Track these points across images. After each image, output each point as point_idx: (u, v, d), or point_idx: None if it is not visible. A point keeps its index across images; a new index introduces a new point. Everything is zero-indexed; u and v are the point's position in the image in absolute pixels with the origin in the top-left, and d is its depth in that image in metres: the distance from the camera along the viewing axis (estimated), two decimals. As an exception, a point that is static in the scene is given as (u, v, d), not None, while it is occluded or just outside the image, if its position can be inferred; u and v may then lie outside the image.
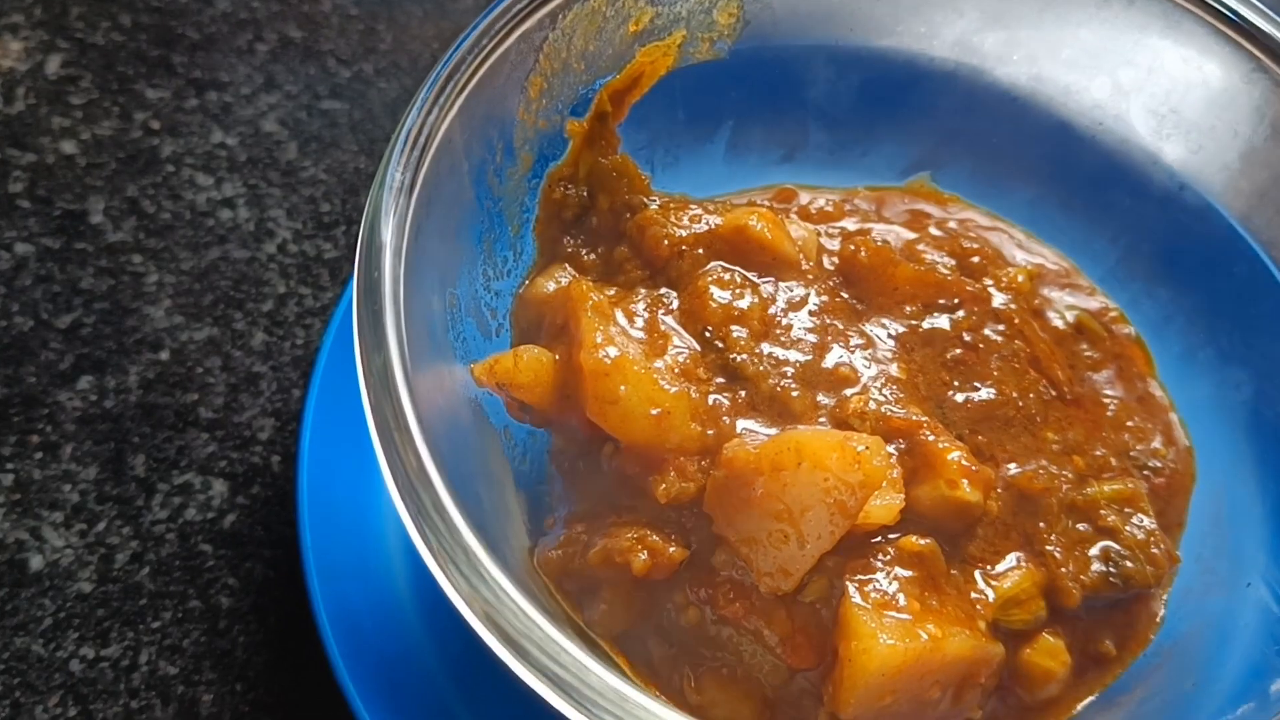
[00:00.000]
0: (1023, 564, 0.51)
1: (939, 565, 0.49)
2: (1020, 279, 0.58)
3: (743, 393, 0.51)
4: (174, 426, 0.63)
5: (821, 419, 0.51)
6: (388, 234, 0.43)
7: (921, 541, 0.48)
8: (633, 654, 0.50)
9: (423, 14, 0.80)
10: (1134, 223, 0.60)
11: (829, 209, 0.60)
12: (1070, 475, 0.53)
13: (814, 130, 0.62)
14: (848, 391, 0.52)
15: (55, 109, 0.71)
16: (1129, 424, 0.57)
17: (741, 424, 0.50)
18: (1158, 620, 0.53)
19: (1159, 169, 0.59)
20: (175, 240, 0.68)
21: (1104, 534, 0.52)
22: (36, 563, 0.58)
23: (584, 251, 0.56)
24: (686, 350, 0.51)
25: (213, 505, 0.61)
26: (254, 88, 0.74)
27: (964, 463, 0.49)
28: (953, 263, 0.58)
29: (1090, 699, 0.52)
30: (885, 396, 0.52)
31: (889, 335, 0.54)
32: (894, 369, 0.53)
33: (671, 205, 0.55)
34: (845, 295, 0.55)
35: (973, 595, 0.49)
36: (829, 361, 0.52)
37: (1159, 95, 0.58)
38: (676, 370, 0.50)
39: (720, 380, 0.51)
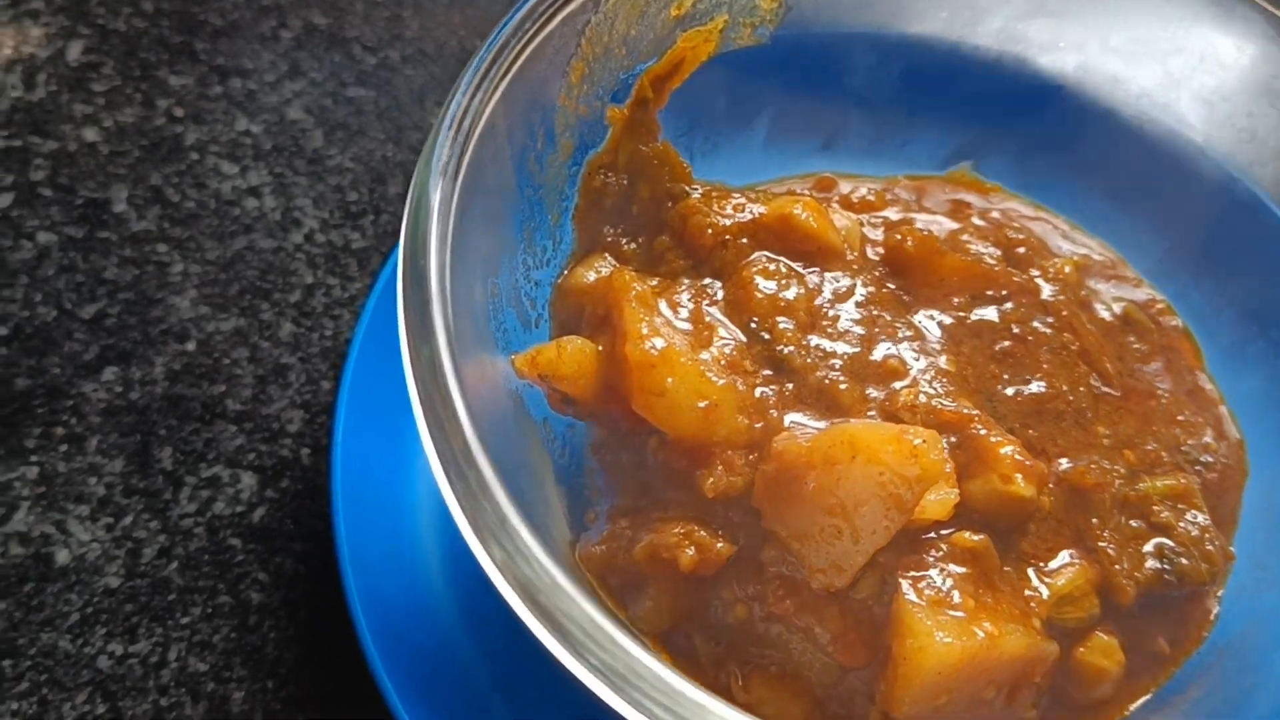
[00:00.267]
0: (1076, 560, 0.50)
1: (993, 561, 0.48)
2: (1067, 270, 0.57)
3: (790, 385, 0.50)
4: (201, 419, 0.61)
5: (871, 412, 0.50)
6: (433, 220, 0.42)
7: (975, 537, 0.47)
8: (677, 651, 0.49)
9: (449, 0, 0.79)
10: (1182, 214, 0.59)
11: (870, 198, 0.59)
12: (1122, 470, 0.52)
13: (854, 118, 0.61)
14: (897, 384, 0.51)
15: (77, 96, 0.70)
16: (1179, 418, 0.56)
17: (789, 417, 0.49)
18: (1211, 618, 0.52)
19: (1208, 160, 0.58)
20: (200, 229, 0.66)
21: (1157, 530, 0.51)
22: (63, 557, 0.57)
23: (624, 241, 0.54)
24: (732, 342, 0.50)
25: (242, 499, 0.60)
26: (278, 75, 0.73)
27: (1018, 457, 0.48)
28: (998, 253, 0.57)
29: (1144, 699, 0.51)
30: (935, 389, 0.51)
31: (937, 327, 0.53)
32: (943, 361, 0.52)
33: (714, 194, 0.54)
34: (891, 286, 0.54)
35: (1026, 592, 0.48)
36: (877, 354, 0.51)
37: (1210, 84, 0.57)
38: (723, 362, 0.49)
39: (767, 372, 0.50)
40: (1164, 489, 0.52)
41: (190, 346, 0.63)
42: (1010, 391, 0.52)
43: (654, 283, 0.51)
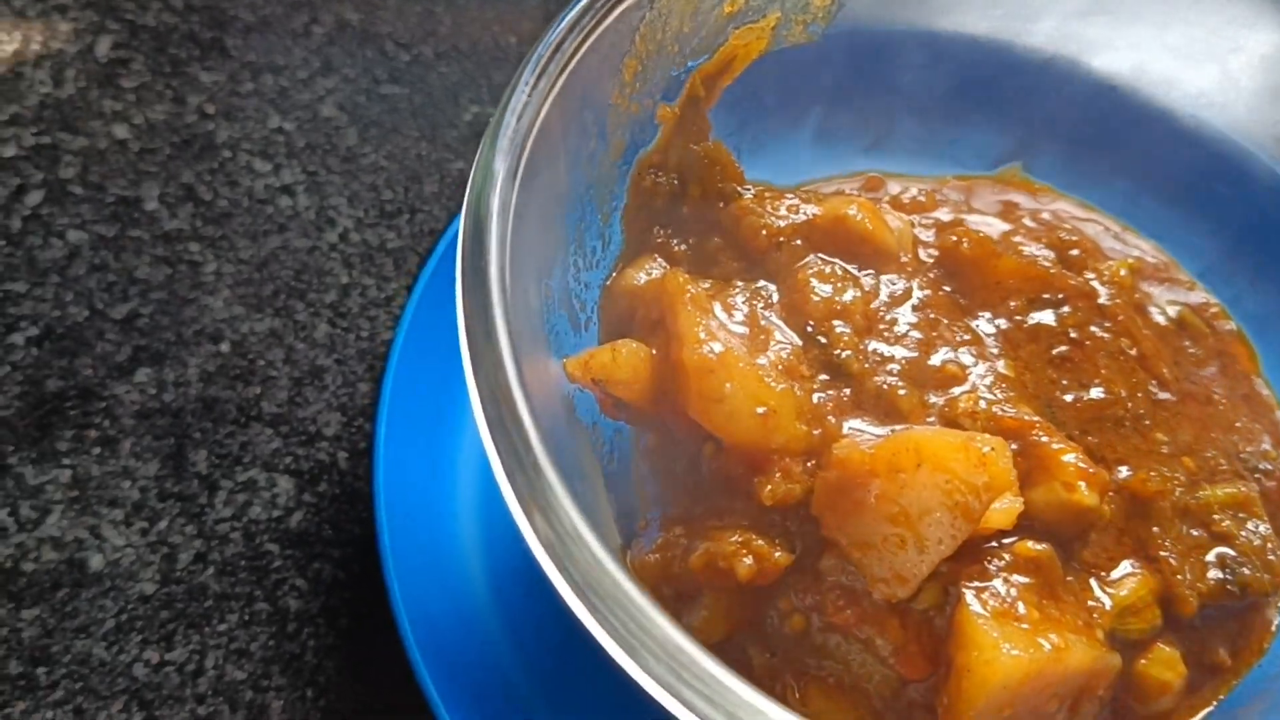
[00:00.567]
0: (1137, 570, 0.49)
1: (1055, 572, 0.47)
2: (1123, 273, 0.56)
3: (847, 390, 0.49)
4: (236, 421, 0.60)
5: (930, 419, 0.49)
6: (493, 222, 0.41)
7: (1038, 547, 0.46)
8: (733, 662, 0.48)
9: (481, -3, 0.78)
10: (1237, 217, 0.58)
11: (921, 199, 0.58)
12: (1182, 478, 0.51)
13: (903, 117, 0.60)
14: (956, 390, 0.50)
15: (106, 92, 0.68)
16: (1236, 424, 0.55)
17: (847, 423, 0.48)
18: (1273, 629, 0.51)
19: (1263, 163, 0.57)
20: (233, 228, 0.65)
21: (1218, 539, 0.50)
22: (96, 562, 0.56)
23: (674, 242, 0.53)
24: (789, 346, 0.49)
25: (278, 503, 0.58)
26: (311, 71, 0.72)
27: (1081, 465, 0.47)
28: (1052, 255, 0.56)
29: (1206, 711, 0.50)
30: (995, 395, 0.50)
31: (994, 331, 0.52)
32: (1001, 366, 0.51)
33: (767, 194, 0.53)
34: (947, 289, 0.53)
35: (1089, 603, 0.47)
36: (935, 359, 0.50)
37: (1269, 85, 0.56)
38: (780, 367, 0.48)
39: (824, 377, 0.49)
40: (1224, 497, 0.51)
41: (224, 348, 0.62)
42: (1069, 398, 0.51)
43: (707, 285, 0.50)
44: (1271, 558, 0.50)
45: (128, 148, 0.67)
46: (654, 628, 0.35)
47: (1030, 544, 0.46)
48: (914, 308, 0.52)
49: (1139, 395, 0.53)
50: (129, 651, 0.54)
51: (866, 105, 0.59)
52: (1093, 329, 0.53)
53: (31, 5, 0.70)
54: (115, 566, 0.56)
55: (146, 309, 0.62)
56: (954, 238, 0.53)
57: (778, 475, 0.46)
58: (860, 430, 0.48)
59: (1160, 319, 0.57)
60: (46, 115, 0.67)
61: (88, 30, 0.70)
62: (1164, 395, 0.53)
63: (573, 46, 0.45)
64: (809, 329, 0.50)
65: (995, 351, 0.51)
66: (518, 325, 0.41)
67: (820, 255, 0.52)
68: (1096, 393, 0.52)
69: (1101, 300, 0.54)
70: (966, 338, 0.51)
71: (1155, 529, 0.50)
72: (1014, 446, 0.48)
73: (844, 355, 0.49)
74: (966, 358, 0.51)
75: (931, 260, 0.54)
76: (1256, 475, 0.53)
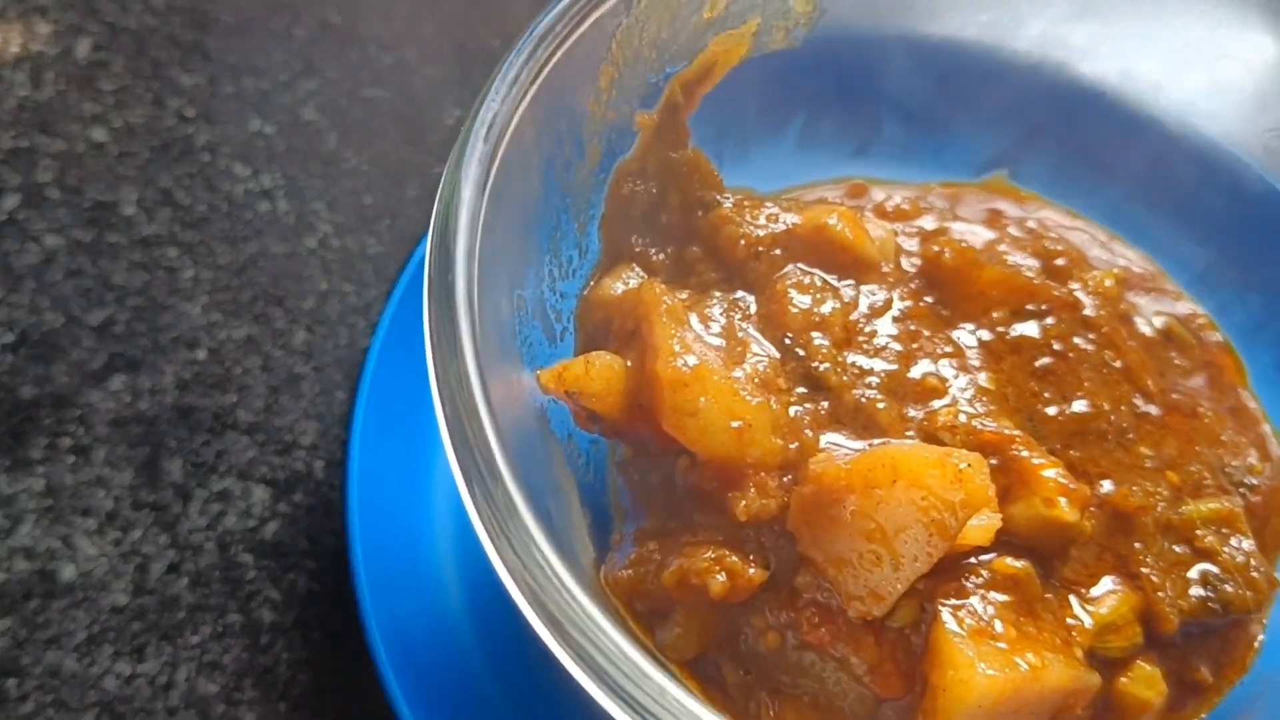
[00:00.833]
0: (1118, 587, 0.48)
1: (1034, 589, 0.46)
2: (1108, 283, 0.55)
3: (825, 404, 0.48)
4: (212, 429, 0.60)
5: (909, 433, 0.48)
6: (460, 232, 0.41)
7: (1016, 564, 0.46)
8: (706, 679, 0.48)
9: (466, -2, 0.77)
10: (1225, 226, 0.57)
11: (905, 207, 0.58)
12: (1165, 493, 0.50)
13: (888, 123, 0.59)
14: (936, 403, 0.49)
15: (85, 95, 0.68)
16: (1222, 437, 0.54)
17: (825, 437, 0.47)
18: (1256, 646, 0.51)
19: (1252, 171, 0.56)
20: (212, 233, 0.65)
21: (1201, 556, 0.49)
22: (68, 573, 0.55)
23: (652, 251, 0.53)
24: (766, 358, 0.48)
25: (253, 513, 0.58)
26: (292, 74, 0.71)
27: (1061, 480, 0.46)
28: (1037, 264, 0.56)
29: (1187, 730, 0.49)
30: (975, 409, 0.49)
31: (976, 343, 0.52)
32: (982, 379, 0.50)
33: (746, 203, 0.52)
34: (928, 300, 0.52)
35: (1069, 621, 0.47)
36: (915, 371, 0.50)
37: (1253, 93, 0.55)
38: (757, 380, 0.47)
39: (801, 390, 0.48)
40: (1208, 513, 0.50)
41: (201, 355, 0.61)
42: (1052, 411, 0.51)
43: (684, 296, 0.50)
44: (1255, 574, 0.49)
45: (106, 151, 0.66)
46: (618, 652, 0.35)
47: (1009, 561, 0.46)
48: (894, 319, 0.51)
49: (1123, 408, 0.52)
50: (100, 663, 0.53)
51: (850, 111, 0.59)
52: (1076, 341, 0.52)
53: (11, 6, 0.69)
54: (87, 577, 0.55)
55: (123, 315, 0.62)
56: (936, 247, 0.53)
57: (752, 490, 0.45)
58: (838, 444, 0.47)
59: (1146, 330, 0.56)
60: (25, 118, 0.66)
61: (67, 32, 0.70)
62: (1148, 408, 0.53)
63: (545, 54, 0.45)
64: (787, 341, 0.49)
65: (977, 364, 0.51)
66: (486, 338, 0.41)
67: (800, 265, 0.51)
68: (1079, 406, 0.51)
69: (1086, 311, 0.54)
70: (948, 350, 0.51)
71: (1137, 545, 0.49)
72: (993, 461, 0.47)
73: (822, 368, 0.48)
74: (947, 370, 0.50)
75: (914, 270, 0.54)
76: (1241, 490, 0.53)
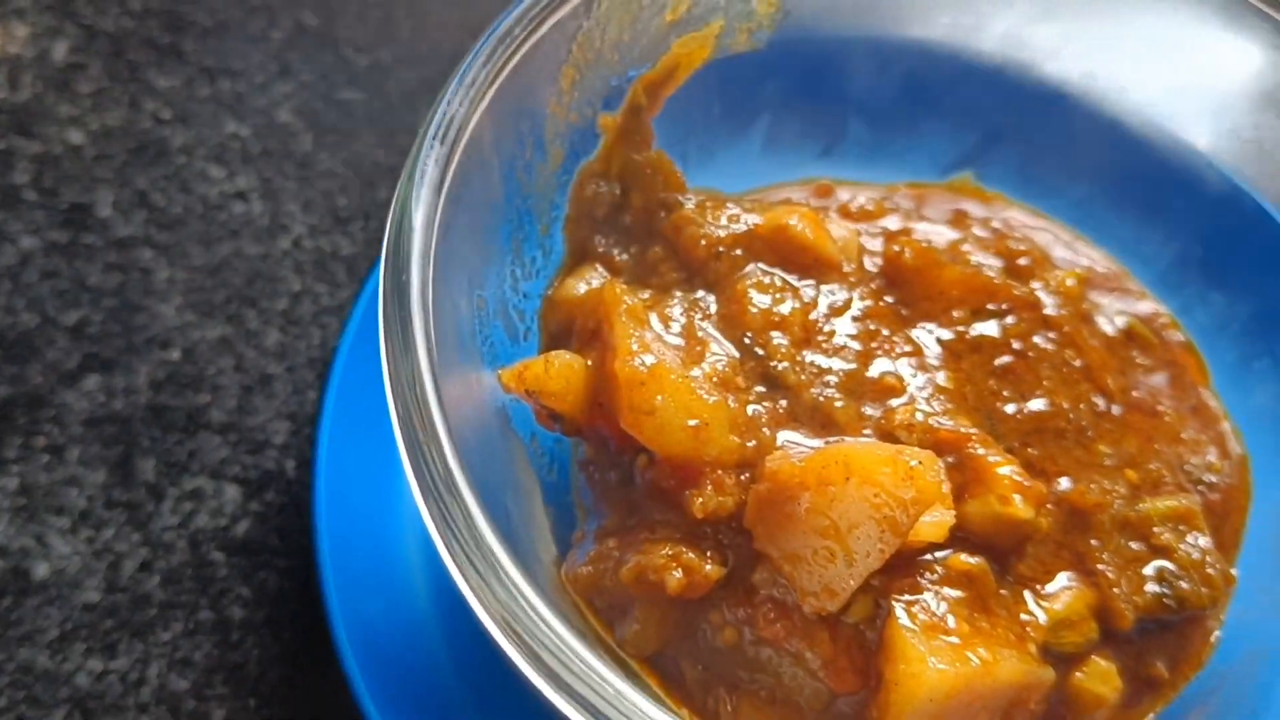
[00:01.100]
0: (1074, 584, 0.48)
1: (989, 585, 0.47)
2: (1070, 283, 0.56)
3: (783, 402, 0.49)
4: (185, 429, 0.60)
5: (866, 431, 0.48)
6: (416, 234, 0.41)
7: (971, 560, 0.46)
8: (665, 675, 0.48)
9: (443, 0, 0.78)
10: (1187, 225, 0.58)
11: (869, 207, 0.58)
12: (1123, 491, 0.51)
13: (854, 124, 0.60)
14: (893, 402, 0.49)
15: (62, 97, 0.68)
16: (1183, 435, 0.54)
17: (782, 435, 0.48)
18: (1212, 642, 0.51)
19: (1214, 170, 0.56)
20: (186, 235, 0.65)
21: (1158, 553, 0.50)
22: (42, 570, 0.56)
23: (616, 251, 0.53)
24: (725, 358, 0.49)
25: (225, 512, 0.58)
26: (268, 76, 0.72)
27: (1016, 478, 0.47)
28: (999, 264, 0.56)
29: (1143, 724, 0.50)
30: (933, 408, 0.49)
31: (935, 342, 0.52)
32: (941, 378, 0.51)
33: (708, 204, 0.53)
34: (889, 299, 0.53)
35: (1023, 617, 0.47)
36: (874, 370, 0.50)
37: (1217, 94, 0.55)
38: (715, 379, 0.47)
39: (760, 389, 0.49)
40: (1165, 510, 0.50)
41: (174, 355, 0.62)
42: (1010, 409, 0.51)
43: (646, 295, 0.50)
44: (1210, 571, 0.50)
45: (83, 153, 0.67)
46: (565, 650, 0.35)
47: (964, 557, 0.46)
48: (854, 319, 0.51)
49: (1082, 407, 0.52)
50: (72, 660, 0.54)
51: (816, 112, 0.59)
52: (1037, 340, 0.53)
53: (-11, 10, 0.70)
54: (60, 575, 0.56)
55: (97, 316, 0.62)
56: (897, 247, 0.53)
57: (709, 488, 0.46)
58: (795, 442, 0.48)
59: (1108, 329, 0.57)
60: (1, 120, 0.67)
61: (45, 35, 0.70)
62: (1108, 407, 0.53)
63: (504, 57, 0.45)
64: (746, 340, 0.49)
65: (936, 363, 0.51)
66: (443, 337, 0.41)
67: (761, 265, 0.51)
68: (1038, 404, 0.51)
69: (1047, 311, 0.54)
70: (907, 349, 0.51)
71: (1094, 542, 0.49)
72: (950, 459, 0.48)
73: (781, 367, 0.49)
74: (905, 369, 0.50)
75: (876, 270, 0.54)
76: (1200, 488, 0.53)
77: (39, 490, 0.57)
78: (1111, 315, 0.57)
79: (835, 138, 0.60)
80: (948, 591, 0.46)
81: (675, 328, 0.49)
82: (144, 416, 0.60)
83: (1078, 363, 0.53)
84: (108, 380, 0.61)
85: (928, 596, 0.45)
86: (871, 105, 0.59)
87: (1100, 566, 0.49)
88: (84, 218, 0.65)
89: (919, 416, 0.49)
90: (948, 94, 0.59)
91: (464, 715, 0.51)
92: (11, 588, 0.55)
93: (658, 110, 0.54)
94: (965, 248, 0.57)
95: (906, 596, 0.45)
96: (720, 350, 0.49)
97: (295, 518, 0.59)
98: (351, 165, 0.70)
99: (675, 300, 0.50)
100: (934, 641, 0.43)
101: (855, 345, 0.50)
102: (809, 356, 0.50)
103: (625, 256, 0.53)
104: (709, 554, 0.46)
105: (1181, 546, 0.50)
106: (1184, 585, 0.49)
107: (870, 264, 0.55)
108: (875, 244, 0.56)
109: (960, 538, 0.47)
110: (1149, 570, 0.49)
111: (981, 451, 0.48)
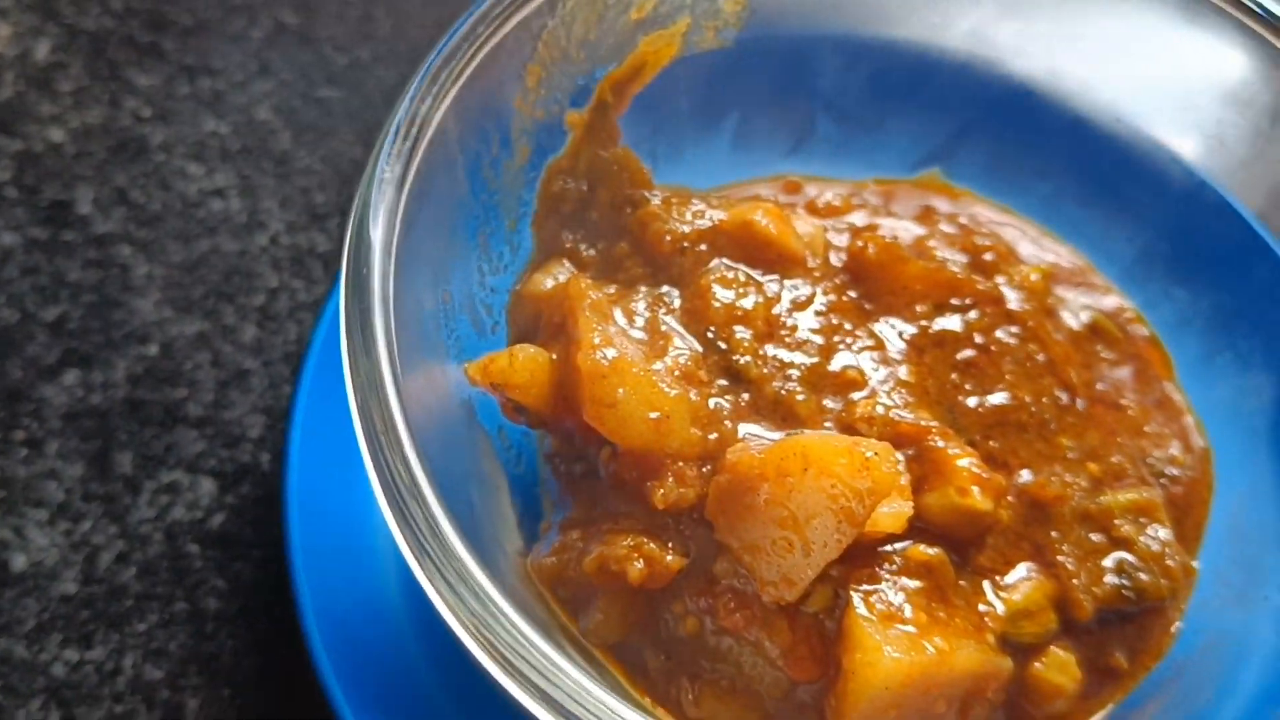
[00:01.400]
0: (1033, 575, 0.49)
1: (947, 575, 0.47)
2: (1034, 278, 0.56)
3: (745, 396, 0.49)
4: (162, 423, 0.61)
5: (827, 424, 0.49)
6: (377, 229, 0.42)
7: (930, 551, 0.47)
8: (629, 664, 0.49)
9: (421, -1, 0.79)
10: (1152, 220, 0.58)
11: (837, 203, 0.59)
12: (1084, 483, 0.51)
13: (822, 122, 0.60)
14: (855, 395, 0.50)
15: (43, 95, 0.69)
16: (1146, 429, 0.55)
17: (744, 428, 0.48)
18: (1172, 633, 0.52)
19: (1178, 165, 0.57)
20: (165, 231, 0.66)
21: (1118, 545, 0.50)
22: (19, 562, 0.56)
23: (583, 247, 0.54)
24: (688, 351, 0.49)
25: (201, 505, 0.59)
26: (247, 74, 0.72)
27: (975, 470, 0.47)
28: (965, 260, 0.57)
29: (1101, 714, 0.50)
30: (894, 401, 0.50)
31: (898, 336, 0.53)
32: (903, 372, 0.51)
33: (674, 200, 0.53)
34: (853, 294, 0.54)
35: (981, 607, 0.48)
36: (835, 364, 0.51)
37: (1179, 89, 0.56)
38: (677, 372, 0.48)
39: (722, 383, 0.49)
40: (1126, 503, 0.51)
41: (152, 350, 0.63)
42: (972, 403, 0.52)
43: (611, 290, 0.51)
44: (1170, 563, 0.50)
45: (63, 151, 0.68)
46: (522, 643, 0.36)
47: (923, 548, 0.47)
48: (817, 313, 0.52)
49: (1044, 400, 0.53)
50: (49, 651, 0.55)
51: (784, 110, 0.60)
52: (999, 334, 0.53)
53: (-29, 10, 0.71)
54: (38, 567, 0.57)
55: (77, 311, 0.63)
56: (860, 242, 0.54)
57: (671, 480, 0.46)
58: (756, 435, 0.48)
59: (1073, 323, 0.57)
60: (-17, 119, 0.68)
61: (27, 33, 0.71)
62: (1071, 400, 0.54)
63: (467, 55, 0.46)
64: (709, 334, 0.50)
65: (898, 357, 0.52)
66: (405, 332, 0.42)
67: (725, 261, 0.52)
68: (1000, 398, 0.52)
69: (1011, 305, 0.55)
70: (869, 343, 0.52)
71: (1054, 534, 0.50)
72: (910, 452, 0.48)
73: (743, 360, 0.49)
74: (867, 363, 0.51)
75: (840, 265, 0.55)
76: (1163, 480, 0.54)
77: (17, 483, 0.58)
78: (1076, 310, 0.58)
79: (804, 135, 0.61)
80: (906, 582, 0.46)
81: (639, 322, 0.50)
82: (122, 410, 0.61)
83: (1041, 357, 0.54)
84: (86, 375, 0.62)
85: (886, 587, 0.46)
86: (839, 102, 0.60)
87: (1060, 558, 0.49)
88: (64, 214, 0.66)
89: (880, 409, 0.49)
90: (915, 91, 0.59)
91: (432, 703, 0.52)
92: (-11, 579, 0.56)
93: (625, 108, 0.54)
94: (931, 243, 0.57)
95: (865, 586, 0.46)
96: (683, 344, 0.50)
97: (270, 511, 0.60)
98: (329, 162, 0.71)
99: (640, 295, 0.51)
100: (890, 631, 0.44)
101: (818, 339, 0.51)
102: (771, 350, 0.50)
103: (592, 252, 0.54)
104: (670, 545, 0.47)
105: (1142, 539, 0.50)
106: (1143, 577, 0.50)
107: (835, 259, 0.55)
108: (841, 239, 0.57)
109: (920, 529, 0.47)
110: (1109, 562, 0.50)
111: (941, 444, 0.48)
